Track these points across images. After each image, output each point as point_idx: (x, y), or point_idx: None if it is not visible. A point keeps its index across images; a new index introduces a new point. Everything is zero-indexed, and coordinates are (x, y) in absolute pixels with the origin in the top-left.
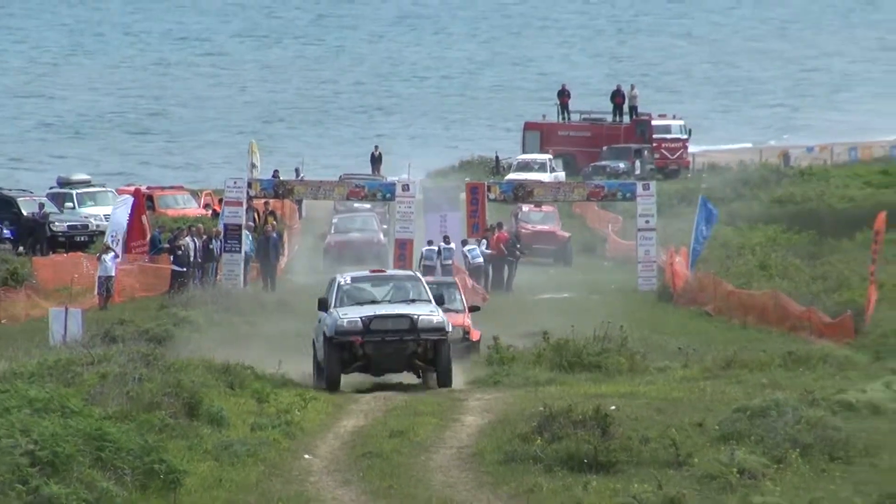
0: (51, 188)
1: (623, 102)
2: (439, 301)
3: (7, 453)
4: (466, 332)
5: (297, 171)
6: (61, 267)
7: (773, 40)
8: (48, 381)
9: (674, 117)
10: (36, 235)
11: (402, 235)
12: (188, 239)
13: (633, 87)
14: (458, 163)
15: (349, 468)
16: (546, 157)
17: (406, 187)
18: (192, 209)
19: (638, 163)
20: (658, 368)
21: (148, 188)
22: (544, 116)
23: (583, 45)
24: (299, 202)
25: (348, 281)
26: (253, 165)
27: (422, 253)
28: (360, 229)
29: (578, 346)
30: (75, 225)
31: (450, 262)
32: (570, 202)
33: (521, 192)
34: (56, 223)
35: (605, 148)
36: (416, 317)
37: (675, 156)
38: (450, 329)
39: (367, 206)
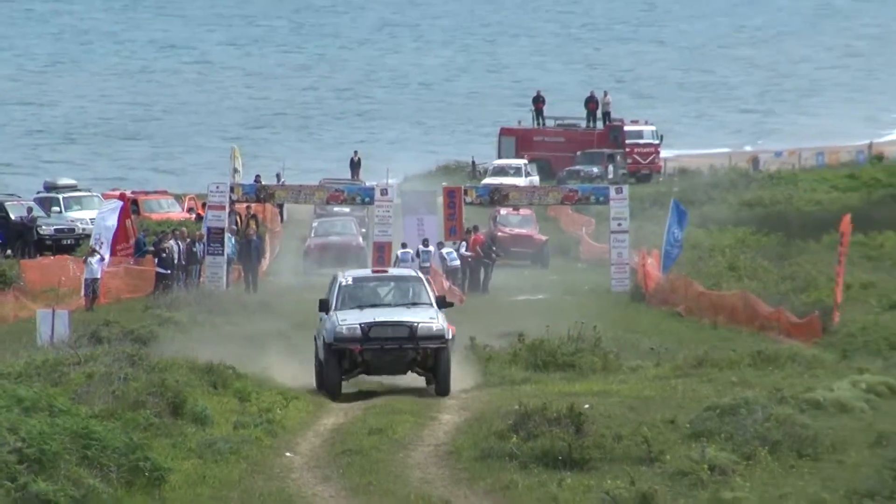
0: (38, 192)
1: (596, 108)
2: (442, 303)
3: None
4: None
5: (278, 175)
6: (48, 269)
7: (743, 47)
8: (36, 381)
9: (646, 123)
10: (24, 238)
11: (380, 239)
12: (172, 242)
13: (606, 94)
14: (435, 167)
15: (329, 465)
16: (521, 161)
17: (384, 191)
18: (176, 213)
19: (611, 167)
20: (631, 367)
21: (133, 193)
22: (520, 122)
23: (557, 52)
24: (280, 206)
25: (350, 281)
26: (235, 170)
27: (396, 255)
28: (340, 233)
29: (553, 345)
30: (62, 228)
31: (427, 264)
32: (545, 206)
33: (498, 196)
34: (43, 227)
35: (578, 153)
36: (415, 324)
37: (647, 160)
38: (450, 336)
39: (347, 209)
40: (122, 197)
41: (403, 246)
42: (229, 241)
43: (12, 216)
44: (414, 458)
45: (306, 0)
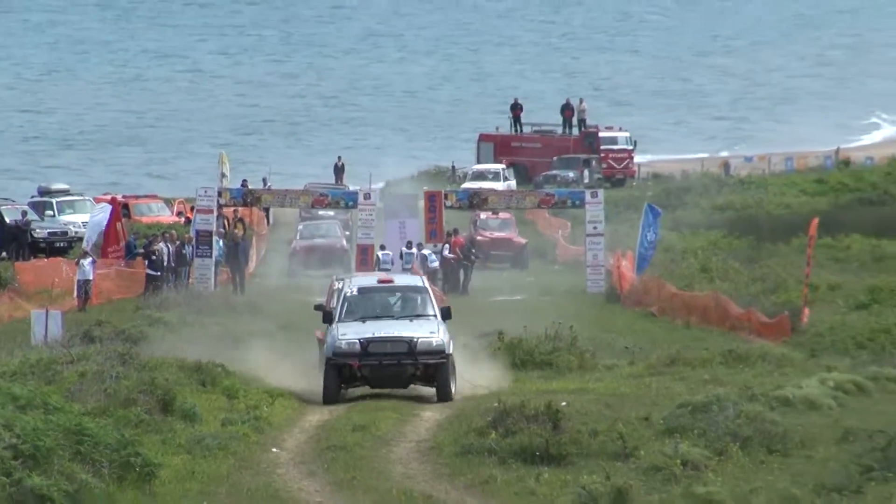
0: (32, 197)
1: (572, 115)
2: (445, 314)
3: None
4: None
5: (264, 180)
6: (42, 271)
7: (718, 56)
8: (30, 379)
9: (620, 129)
10: (18, 241)
11: (363, 241)
12: (162, 244)
13: (581, 101)
14: (416, 172)
15: (314, 461)
16: (500, 166)
17: (367, 196)
18: (166, 216)
19: (586, 172)
20: (606, 366)
21: (124, 197)
22: (498, 129)
23: (537, 60)
24: (267, 210)
25: (354, 291)
26: (223, 175)
27: (377, 257)
28: (324, 235)
29: (531, 345)
30: (55, 231)
31: (409, 265)
32: (523, 209)
33: (477, 200)
34: (37, 230)
35: (555, 158)
36: (415, 340)
37: (622, 165)
38: (450, 351)
39: (331, 213)
40: (112, 201)
41: (382, 248)
42: (217, 244)
43: (7, 220)
44: (396, 454)
45: (294, 11)
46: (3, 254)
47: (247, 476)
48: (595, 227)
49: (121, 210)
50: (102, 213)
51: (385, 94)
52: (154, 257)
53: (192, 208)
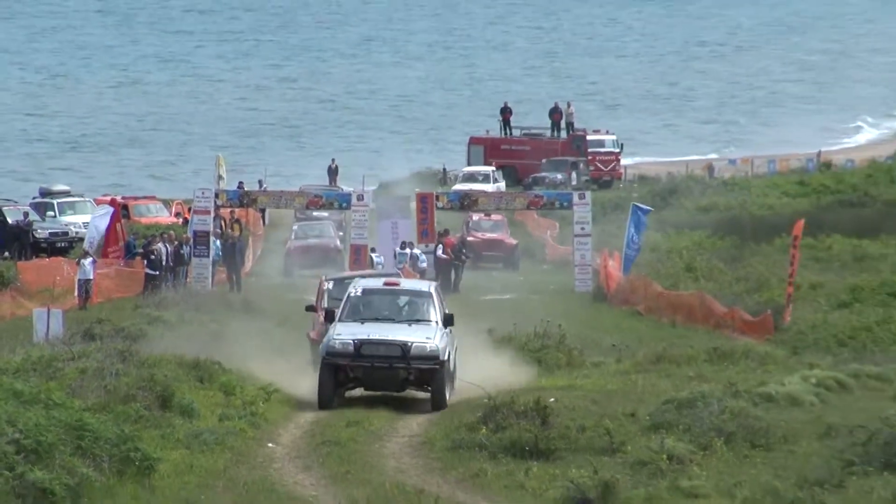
0: (34, 198)
1: (560, 119)
2: (447, 321)
3: None
4: None
5: (260, 182)
6: (44, 270)
7: (705, 61)
8: (32, 376)
9: (607, 132)
10: (20, 241)
11: (357, 241)
12: (160, 245)
13: (569, 105)
14: (409, 174)
15: (309, 455)
16: (489, 169)
17: (361, 197)
18: (164, 217)
19: (574, 174)
20: (593, 363)
21: (123, 198)
22: (488, 132)
23: (528, 65)
24: (263, 211)
25: (359, 292)
26: (220, 177)
27: (370, 258)
28: (319, 235)
29: (520, 342)
30: (56, 232)
31: (402, 265)
32: (512, 210)
33: (467, 202)
34: (39, 230)
35: (544, 161)
36: (409, 344)
37: (609, 168)
38: (445, 357)
39: (325, 214)
40: (112, 202)
41: (373, 251)
42: (214, 244)
43: (9, 220)
44: (389, 449)
45: (291, 17)
46: (6, 253)
47: (244, 470)
48: (583, 228)
49: (120, 211)
50: (102, 215)
51: (380, 97)
52: (153, 257)
53: (189, 209)
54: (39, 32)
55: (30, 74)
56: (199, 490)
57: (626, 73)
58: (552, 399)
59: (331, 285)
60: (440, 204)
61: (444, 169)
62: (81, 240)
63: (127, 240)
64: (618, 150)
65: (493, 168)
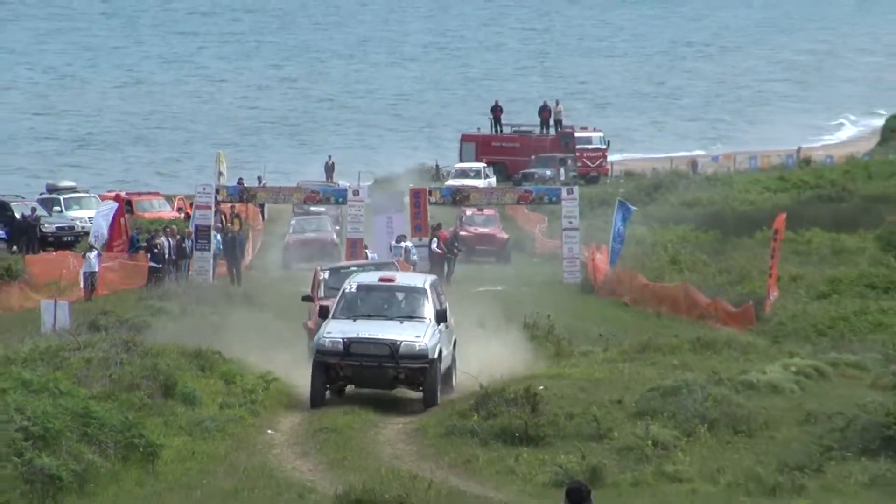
0: (41, 194)
1: (549, 116)
2: (441, 318)
3: (3, 429)
4: None
5: (259, 178)
6: (51, 264)
7: (693, 61)
8: (40, 365)
9: (594, 129)
10: (28, 236)
11: (352, 235)
12: (163, 239)
13: (557, 103)
14: (403, 170)
15: (307, 442)
16: (480, 165)
17: (356, 192)
18: (167, 212)
19: (562, 170)
20: (581, 352)
21: (127, 194)
22: (479, 129)
23: (520, 65)
24: (262, 206)
25: (354, 289)
26: (220, 174)
27: (365, 255)
28: (316, 230)
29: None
30: (63, 226)
31: (396, 258)
32: (503, 205)
33: (459, 197)
34: (46, 225)
35: (533, 157)
36: (397, 343)
37: (596, 164)
38: (434, 356)
39: (322, 209)
40: (117, 198)
41: (365, 247)
42: (215, 238)
43: (17, 215)
44: (384, 436)
45: (291, 19)
46: (14, 247)
47: (243, 456)
48: (571, 222)
49: (124, 206)
50: (106, 210)
51: (377, 96)
52: (156, 251)
53: (191, 205)
54: (46, 34)
55: (37, 75)
56: (200, 475)
57: (615, 73)
58: (541, 387)
59: (327, 275)
60: (433, 199)
61: (437, 165)
62: (87, 234)
63: (131, 234)
64: (604, 147)
65: (485, 164)
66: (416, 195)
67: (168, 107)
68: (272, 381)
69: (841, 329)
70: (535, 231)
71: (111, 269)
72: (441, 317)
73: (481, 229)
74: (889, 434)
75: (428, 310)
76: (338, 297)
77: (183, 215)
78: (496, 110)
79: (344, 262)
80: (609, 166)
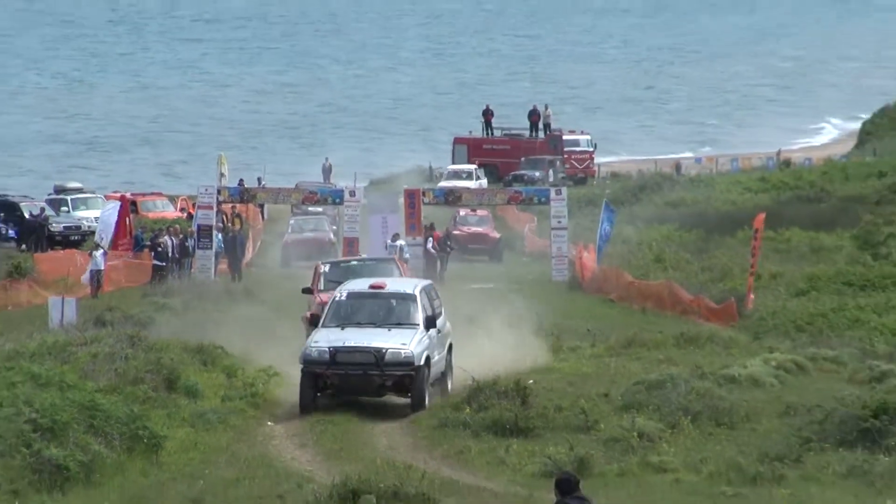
0: (49, 194)
1: (538, 120)
2: (429, 323)
3: (13, 421)
4: None
5: (259, 179)
6: (58, 262)
7: (680, 66)
8: (48, 360)
9: (581, 133)
10: (37, 235)
11: (349, 234)
12: (166, 238)
13: (546, 107)
14: (397, 172)
15: (305, 433)
16: (472, 167)
17: (353, 193)
18: (170, 212)
19: (551, 171)
20: (570, 348)
21: (132, 194)
22: (471, 132)
23: (512, 70)
24: (262, 206)
25: (343, 296)
26: (222, 175)
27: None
28: (314, 229)
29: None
30: (70, 226)
31: (393, 255)
32: (494, 205)
33: (451, 198)
34: (54, 224)
35: (523, 159)
36: (383, 351)
37: (583, 166)
38: (421, 363)
39: (320, 209)
40: (122, 198)
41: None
42: (217, 237)
43: (26, 215)
44: (380, 428)
45: (292, 27)
46: (24, 246)
47: (244, 447)
48: (559, 222)
49: (129, 206)
50: (112, 210)
51: (374, 101)
52: (160, 249)
53: (193, 205)
54: (54, 41)
55: (46, 80)
56: (203, 465)
57: (605, 78)
58: (531, 381)
59: (327, 268)
60: (426, 200)
61: (430, 167)
62: (93, 233)
63: (135, 233)
64: (592, 150)
65: (476, 166)
66: (411, 196)
67: (174, 110)
68: (272, 375)
69: (819, 325)
70: (524, 230)
71: (116, 267)
72: (431, 322)
73: (474, 229)
74: (865, 426)
75: (417, 316)
76: (328, 305)
77: (185, 215)
78: (487, 114)
79: (345, 257)
80: (596, 168)
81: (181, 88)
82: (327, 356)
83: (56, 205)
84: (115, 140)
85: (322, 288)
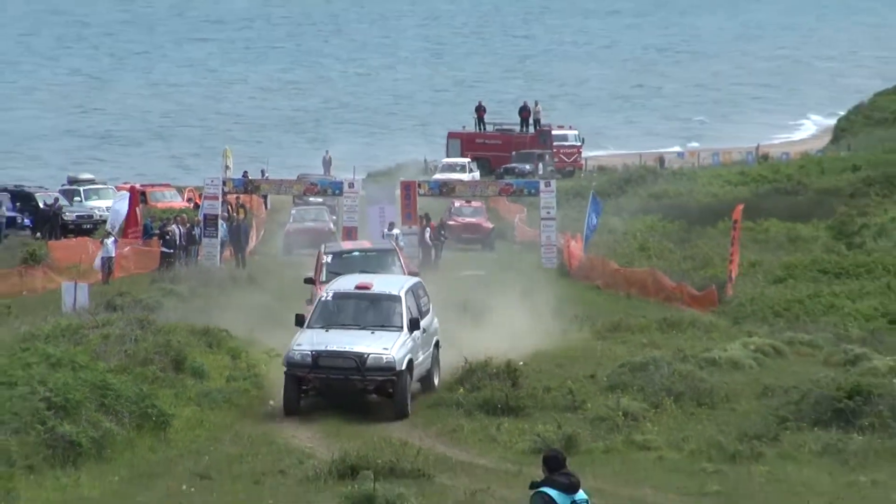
0: (62, 185)
1: (529, 116)
2: (413, 325)
3: (28, 399)
4: None
5: (262, 171)
6: (71, 249)
7: (668, 65)
8: (61, 342)
9: (570, 128)
10: (51, 223)
11: (348, 224)
12: (174, 226)
13: (537, 103)
14: (394, 165)
15: (306, 413)
16: (465, 160)
17: (351, 185)
18: (178, 202)
19: (541, 165)
20: (559, 331)
21: (141, 185)
22: (464, 127)
23: (507, 68)
24: (265, 197)
25: (329, 297)
26: (227, 167)
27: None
28: (314, 219)
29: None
30: (82, 215)
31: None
32: (486, 197)
33: (446, 189)
34: (67, 213)
35: (513, 153)
36: (364, 356)
37: (571, 159)
38: (402, 367)
39: (320, 200)
40: (132, 189)
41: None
42: (222, 226)
43: (41, 205)
44: (377, 407)
45: (297, 27)
46: (38, 234)
47: (248, 425)
48: (548, 212)
49: (139, 197)
50: (122, 200)
51: (374, 97)
52: (167, 237)
53: (200, 195)
54: (70, 41)
55: (62, 77)
56: (208, 442)
57: (594, 76)
58: (521, 363)
59: (329, 259)
60: (422, 191)
61: (426, 160)
62: (104, 222)
63: (144, 222)
64: (579, 144)
65: (469, 159)
66: (407, 187)
67: (184, 106)
68: (275, 357)
69: (796, 311)
70: (515, 220)
71: (126, 254)
72: (415, 325)
73: (469, 219)
74: (840, 407)
75: (402, 318)
76: (314, 306)
77: (192, 205)
78: (480, 110)
79: (347, 247)
80: (583, 162)
81: (191, 85)
82: (309, 360)
83: (69, 195)
84: (129, 134)
85: (324, 279)
